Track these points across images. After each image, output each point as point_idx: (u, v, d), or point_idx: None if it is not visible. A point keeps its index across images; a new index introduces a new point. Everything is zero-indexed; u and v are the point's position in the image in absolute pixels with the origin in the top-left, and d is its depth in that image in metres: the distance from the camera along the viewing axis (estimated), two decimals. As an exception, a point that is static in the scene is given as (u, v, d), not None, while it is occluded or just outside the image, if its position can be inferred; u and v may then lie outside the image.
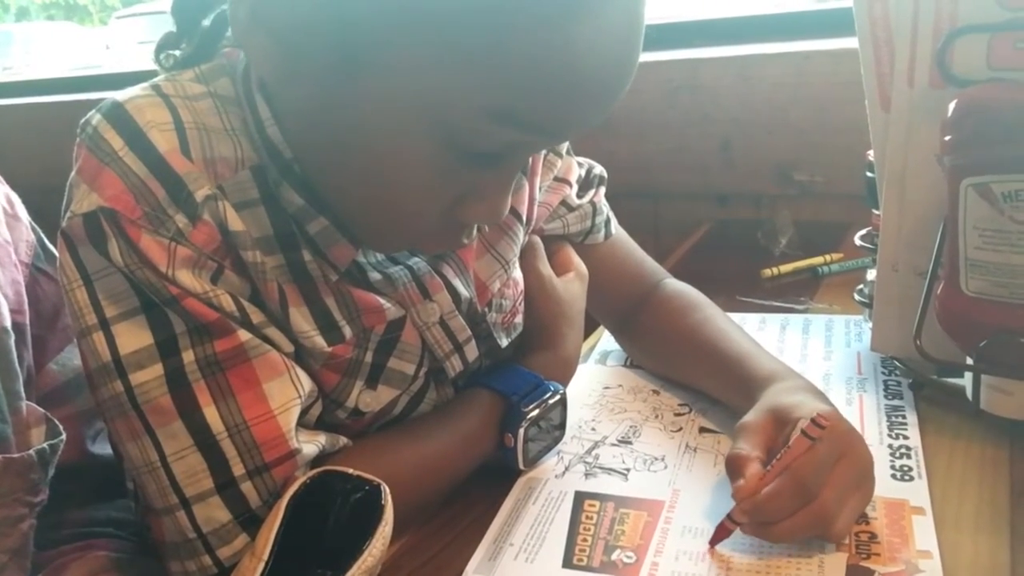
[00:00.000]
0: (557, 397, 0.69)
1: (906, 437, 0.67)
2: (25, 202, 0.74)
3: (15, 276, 0.67)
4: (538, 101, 0.51)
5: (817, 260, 1.05)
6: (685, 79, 1.28)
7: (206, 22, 0.64)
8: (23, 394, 0.65)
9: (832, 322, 0.90)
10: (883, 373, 0.78)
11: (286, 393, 0.58)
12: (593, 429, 0.73)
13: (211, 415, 0.56)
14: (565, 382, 0.73)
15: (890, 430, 0.68)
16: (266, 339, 0.59)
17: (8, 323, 0.65)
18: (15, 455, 0.62)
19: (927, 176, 0.66)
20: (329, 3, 0.52)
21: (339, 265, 0.62)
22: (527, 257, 0.77)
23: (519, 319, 0.76)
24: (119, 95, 0.58)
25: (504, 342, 0.74)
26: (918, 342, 0.66)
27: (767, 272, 1.04)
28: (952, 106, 0.60)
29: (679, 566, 0.56)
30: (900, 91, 0.67)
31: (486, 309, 0.71)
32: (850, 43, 1.15)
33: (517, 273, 0.75)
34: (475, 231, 0.62)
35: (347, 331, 0.62)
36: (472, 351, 0.71)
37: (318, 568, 0.54)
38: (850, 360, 0.81)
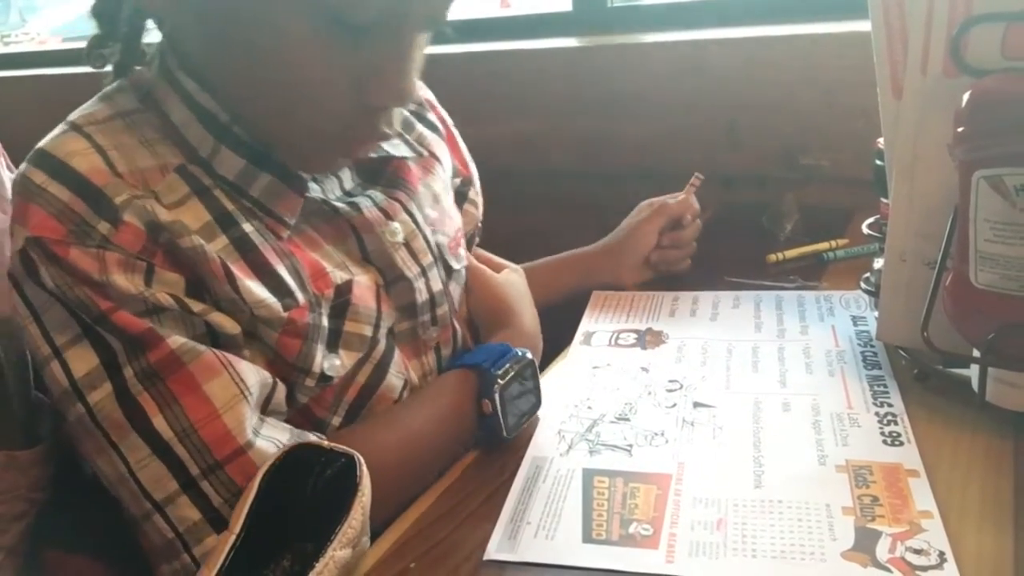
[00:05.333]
0: (525, 360, 0.72)
1: (890, 405, 0.69)
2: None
3: None
4: None
5: (823, 245, 1.04)
6: (691, 60, 1.27)
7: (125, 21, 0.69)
8: (33, 383, 0.65)
9: (803, 298, 0.91)
10: (859, 345, 0.80)
11: (228, 391, 0.59)
12: (590, 408, 0.74)
13: (160, 424, 0.58)
14: (532, 352, 0.75)
15: (874, 399, 0.70)
16: (209, 326, 0.61)
17: None
18: (18, 451, 0.62)
19: (938, 166, 0.66)
20: None
21: (288, 217, 0.66)
22: None
23: (462, 251, 0.83)
24: (41, 143, 0.62)
25: (455, 264, 0.80)
26: (925, 333, 0.66)
27: (772, 257, 1.03)
28: (966, 97, 0.60)
29: (695, 535, 0.57)
30: (913, 79, 0.66)
31: (430, 229, 0.77)
32: (858, 26, 1.15)
33: (453, 211, 0.83)
34: (394, 121, 0.65)
35: (300, 297, 0.64)
36: (436, 279, 0.75)
37: (299, 542, 0.55)
38: (826, 333, 0.83)
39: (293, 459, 0.56)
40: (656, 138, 1.31)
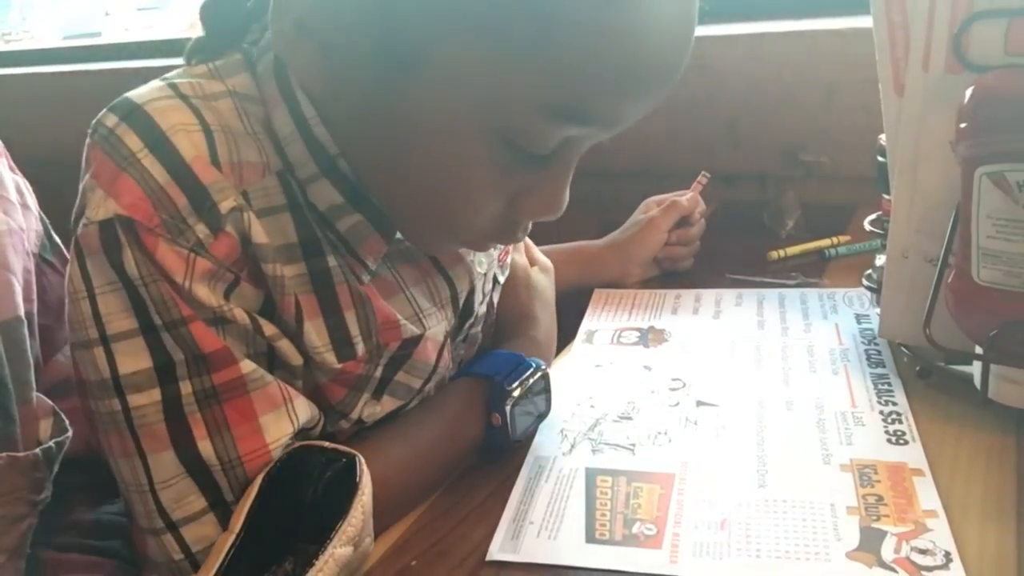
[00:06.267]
0: (540, 373, 0.70)
1: (895, 403, 0.69)
2: (23, 171, 0.73)
3: (27, 265, 0.67)
4: (595, 94, 0.50)
5: (824, 242, 1.04)
6: (692, 58, 1.26)
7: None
8: (35, 384, 0.65)
9: (806, 295, 0.91)
10: (863, 343, 0.79)
11: (281, 428, 0.57)
12: (592, 407, 0.74)
13: (205, 449, 0.55)
14: (545, 362, 0.75)
15: (879, 397, 0.70)
16: (276, 352, 0.58)
17: (22, 312, 0.64)
18: (20, 454, 0.61)
19: (940, 163, 0.66)
20: (376, 10, 0.51)
21: (370, 261, 0.62)
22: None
23: (509, 259, 0.80)
24: (135, 96, 0.56)
25: (502, 278, 0.78)
26: (927, 330, 0.66)
27: (774, 254, 1.03)
28: (968, 93, 0.59)
29: (699, 535, 0.57)
30: (915, 76, 0.66)
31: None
32: (860, 22, 1.15)
33: None
34: (530, 224, 0.62)
35: (360, 348, 0.61)
36: (484, 304, 0.74)
37: (301, 543, 0.55)
38: (829, 331, 0.83)
39: (295, 461, 0.56)
40: (656, 136, 1.31)
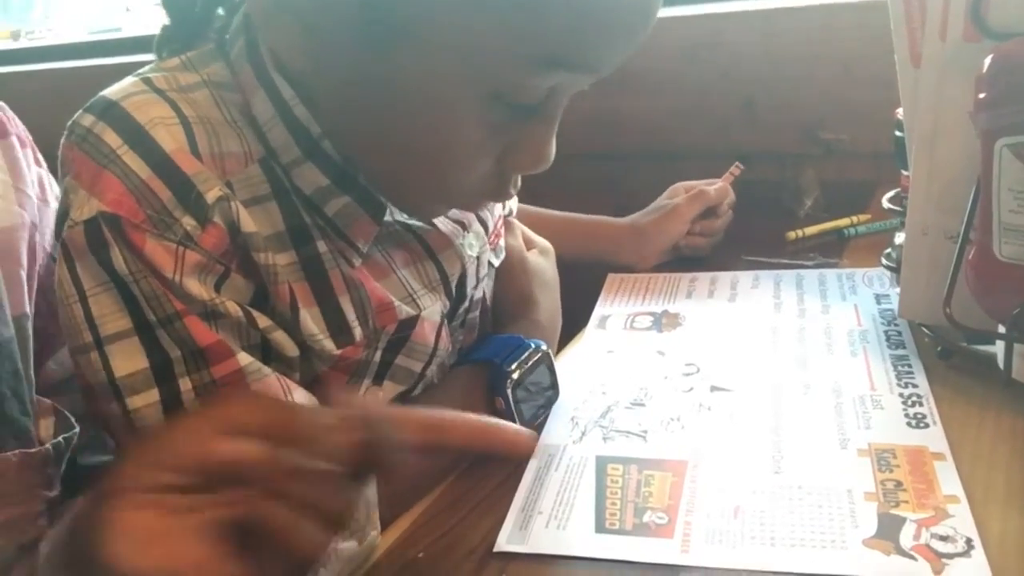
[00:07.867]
0: (539, 353, 0.69)
1: (915, 385, 0.67)
2: (48, 166, 0.73)
3: (38, 261, 0.66)
4: (580, 41, 0.51)
5: (843, 221, 1.02)
6: (706, 35, 1.24)
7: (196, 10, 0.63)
8: (35, 383, 0.65)
9: (824, 276, 0.89)
10: (883, 323, 0.77)
11: None
12: (604, 393, 0.72)
13: None
14: (549, 343, 0.73)
15: (899, 379, 0.68)
16: (270, 343, 0.57)
17: (28, 309, 0.64)
18: (31, 450, 0.61)
19: (959, 136, 0.63)
20: None
21: (361, 243, 0.61)
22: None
23: (502, 243, 0.80)
24: (110, 93, 0.56)
25: (496, 261, 0.78)
26: (948, 310, 0.64)
27: (792, 234, 1.01)
28: (987, 61, 0.57)
29: (712, 523, 0.55)
30: (932, 46, 0.64)
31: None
32: (878, -5, 1.11)
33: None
34: (519, 180, 0.61)
35: (358, 333, 0.61)
36: (481, 288, 0.74)
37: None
38: (848, 312, 0.81)
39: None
40: (671, 115, 1.29)
